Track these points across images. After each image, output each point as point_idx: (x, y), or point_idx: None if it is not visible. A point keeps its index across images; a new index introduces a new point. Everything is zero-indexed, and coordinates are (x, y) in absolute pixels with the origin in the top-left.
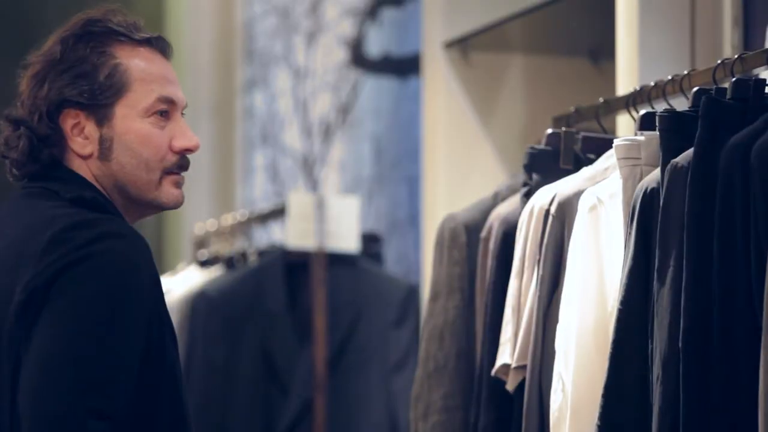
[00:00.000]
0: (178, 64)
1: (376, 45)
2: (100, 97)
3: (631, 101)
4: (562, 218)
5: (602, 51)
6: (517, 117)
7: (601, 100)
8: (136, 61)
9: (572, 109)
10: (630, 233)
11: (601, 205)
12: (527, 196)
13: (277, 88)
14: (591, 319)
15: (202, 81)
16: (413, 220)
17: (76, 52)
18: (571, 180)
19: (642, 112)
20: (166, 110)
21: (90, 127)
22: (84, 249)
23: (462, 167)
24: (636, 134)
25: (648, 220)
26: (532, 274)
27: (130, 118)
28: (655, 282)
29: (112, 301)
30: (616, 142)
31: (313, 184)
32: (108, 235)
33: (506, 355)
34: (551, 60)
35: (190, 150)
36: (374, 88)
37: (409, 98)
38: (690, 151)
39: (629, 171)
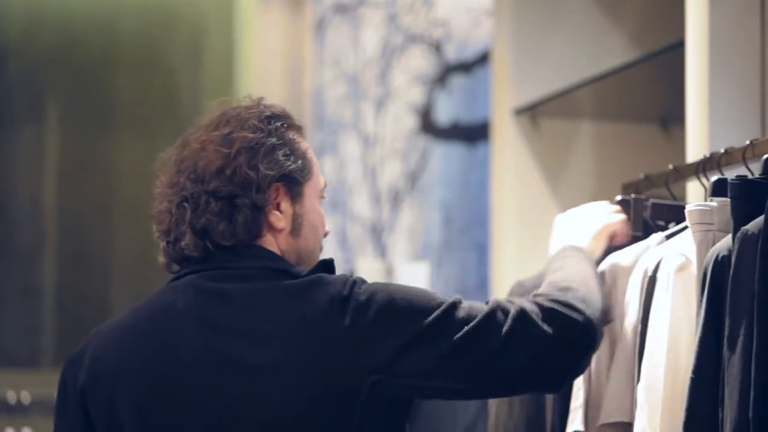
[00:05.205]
0: None
1: (445, 112)
2: (299, 176)
3: (701, 168)
4: (611, 282)
5: (672, 117)
6: (587, 183)
7: (670, 167)
8: (308, 146)
9: (642, 175)
10: (701, 301)
11: (690, 264)
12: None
13: (346, 154)
14: (668, 386)
15: None
16: (482, 286)
17: (275, 133)
18: (638, 247)
19: (714, 178)
20: (323, 196)
21: (285, 204)
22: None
23: (531, 234)
24: (707, 200)
25: (719, 287)
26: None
27: (313, 198)
28: (725, 350)
29: None
30: (689, 207)
31: (382, 251)
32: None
33: (577, 422)
34: (620, 126)
35: (327, 234)
36: (443, 155)
37: (478, 165)
38: (761, 219)
39: (702, 236)
